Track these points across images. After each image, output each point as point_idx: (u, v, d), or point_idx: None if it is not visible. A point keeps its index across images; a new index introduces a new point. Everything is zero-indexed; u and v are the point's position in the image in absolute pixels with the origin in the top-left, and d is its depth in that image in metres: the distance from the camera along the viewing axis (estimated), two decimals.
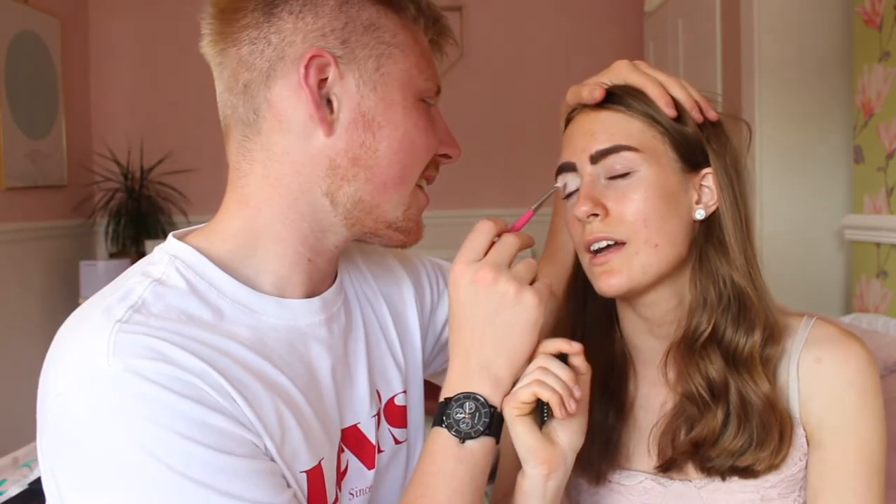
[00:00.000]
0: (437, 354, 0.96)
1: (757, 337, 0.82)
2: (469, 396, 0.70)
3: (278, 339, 0.72)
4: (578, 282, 0.90)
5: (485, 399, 0.70)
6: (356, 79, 0.71)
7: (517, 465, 0.77)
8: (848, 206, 2.39)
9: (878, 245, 2.22)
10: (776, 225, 2.42)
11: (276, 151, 0.71)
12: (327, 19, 0.70)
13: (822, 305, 2.41)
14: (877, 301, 2.21)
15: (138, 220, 3.53)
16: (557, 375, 0.73)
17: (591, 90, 0.84)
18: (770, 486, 0.81)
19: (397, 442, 0.85)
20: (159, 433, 0.60)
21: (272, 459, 0.67)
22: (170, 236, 0.74)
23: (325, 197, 0.72)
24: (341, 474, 0.77)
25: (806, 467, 0.83)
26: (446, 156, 0.79)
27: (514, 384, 0.72)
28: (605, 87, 0.84)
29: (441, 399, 0.71)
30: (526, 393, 0.73)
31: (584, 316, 0.91)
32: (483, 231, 0.73)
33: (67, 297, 3.43)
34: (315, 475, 0.71)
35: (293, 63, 0.69)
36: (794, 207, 2.41)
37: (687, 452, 0.82)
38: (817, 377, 0.82)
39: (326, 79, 0.70)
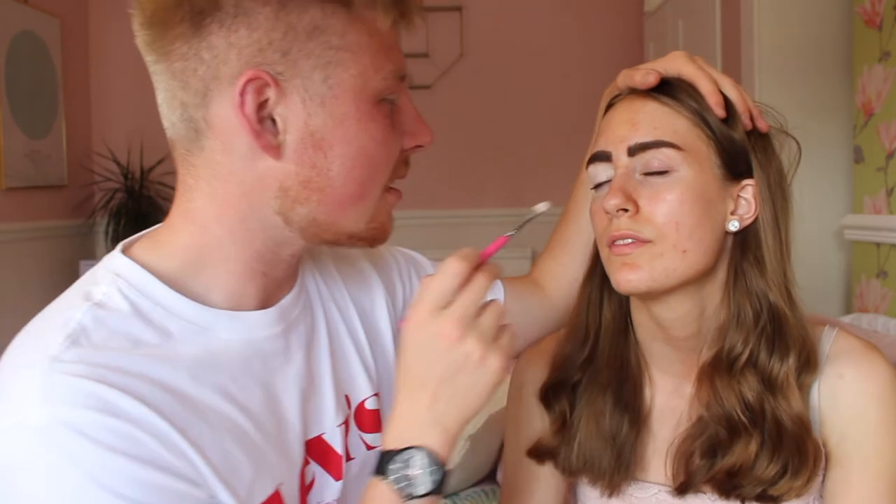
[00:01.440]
0: None
1: (792, 361, 0.78)
2: (420, 451, 0.64)
3: (232, 357, 0.68)
4: (594, 283, 0.87)
5: (436, 454, 0.64)
6: (301, 95, 0.64)
7: (521, 464, 0.76)
8: (848, 206, 2.39)
9: (878, 245, 2.22)
10: None
11: (220, 171, 0.66)
12: (263, 30, 0.62)
13: (822, 305, 2.41)
14: (877, 301, 2.21)
15: (138, 221, 3.52)
16: None
17: (645, 74, 0.79)
18: (784, 502, 0.78)
19: (369, 448, 0.81)
20: (95, 494, 0.56)
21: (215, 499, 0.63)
22: (116, 249, 0.69)
23: (277, 216, 0.68)
24: (306, 488, 0.74)
25: (823, 482, 0.80)
26: (417, 146, 0.72)
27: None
28: (660, 74, 0.79)
29: (386, 448, 0.66)
30: None
31: (599, 319, 0.87)
32: (453, 275, 0.65)
33: None
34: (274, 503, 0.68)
35: (229, 83, 0.63)
36: (794, 207, 2.41)
37: (713, 480, 0.78)
38: (839, 393, 0.79)
39: (268, 99, 0.64)
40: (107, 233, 3.55)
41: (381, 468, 0.65)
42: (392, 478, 0.64)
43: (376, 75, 0.67)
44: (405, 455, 0.64)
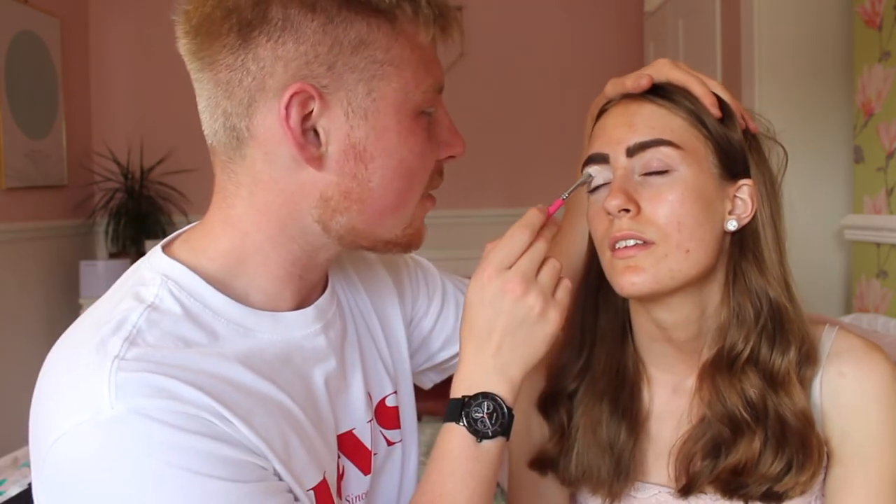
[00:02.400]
0: (414, 353, 0.94)
1: (792, 355, 0.78)
2: (488, 396, 0.70)
3: (275, 354, 0.70)
4: (590, 287, 0.86)
5: (502, 400, 0.70)
6: (344, 108, 0.66)
7: (526, 466, 0.76)
8: (848, 206, 2.39)
9: (878, 245, 2.22)
10: None
11: (262, 179, 0.68)
12: (310, 44, 0.64)
13: (822, 305, 2.41)
14: (877, 301, 2.21)
15: (138, 220, 3.52)
16: None
17: (637, 79, 0.80)
18: (789, 499, 0.78)
19: (389, 443, 0.83)
20: (172, 473, 0.59)
21: (280, 479, 0.66)
22: (158, 249, 0.72)
23: (316, 223, 0.70)
24: (339, 477, 0.76)
25: (824, 479, 0.80)
26: (450, 156, 0.75)
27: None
28: (652, 77, 0.80)
29: (456, 396, 0.71)
30: None
31: (596, 324, 0.86)
32: (519, 239, 0.71)
33: (67, 297, 3.43)
34: (322, 491, 0.70)
35: (275, 95, 0.64)
36: (794, 207, 2.41)
37: (718, 480, 0.78)
38: (841, 392, 0.80)
39: (311, 111, 0.65)
40: (107, 233, 3.56)
41: (453, 414, 0.70)
42: (465, 422, 0.69)
43: (417, 89, 0.68)
44: (476, 401, 0.70)
